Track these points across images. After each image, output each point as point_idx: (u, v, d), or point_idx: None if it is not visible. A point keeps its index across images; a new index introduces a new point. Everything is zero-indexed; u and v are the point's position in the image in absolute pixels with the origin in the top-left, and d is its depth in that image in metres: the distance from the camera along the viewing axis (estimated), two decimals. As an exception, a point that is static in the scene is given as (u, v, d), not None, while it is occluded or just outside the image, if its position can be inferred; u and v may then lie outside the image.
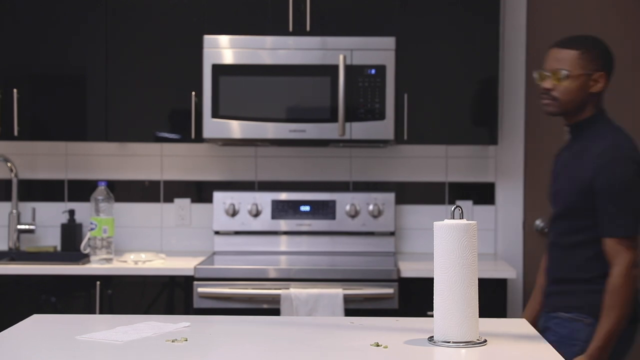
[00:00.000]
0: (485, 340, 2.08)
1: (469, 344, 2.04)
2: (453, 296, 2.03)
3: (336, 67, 3.71)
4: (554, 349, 2.05)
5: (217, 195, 4.08)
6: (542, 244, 4.16)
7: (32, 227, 4.06)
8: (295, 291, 3.47)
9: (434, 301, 2.07)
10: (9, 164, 4.06)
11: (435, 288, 2.07)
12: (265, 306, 3.52)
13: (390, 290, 3.49)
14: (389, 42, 3.74)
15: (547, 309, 2.89)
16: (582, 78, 2.81)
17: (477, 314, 2.07)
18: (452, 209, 2.09)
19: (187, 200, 4.18)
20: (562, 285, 2.85)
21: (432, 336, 2.10)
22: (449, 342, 2.04)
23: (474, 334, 2.05)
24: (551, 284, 2.90)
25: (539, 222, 4.14)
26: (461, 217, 2.08)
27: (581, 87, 2.82)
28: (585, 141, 2.84)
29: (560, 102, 2.84)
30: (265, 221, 4.04)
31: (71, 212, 4.06)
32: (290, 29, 3.79)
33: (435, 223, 2.08)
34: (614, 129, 2.85)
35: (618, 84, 4.13)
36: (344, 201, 4.03)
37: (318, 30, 3.77)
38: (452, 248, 2.03)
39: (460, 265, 2.03)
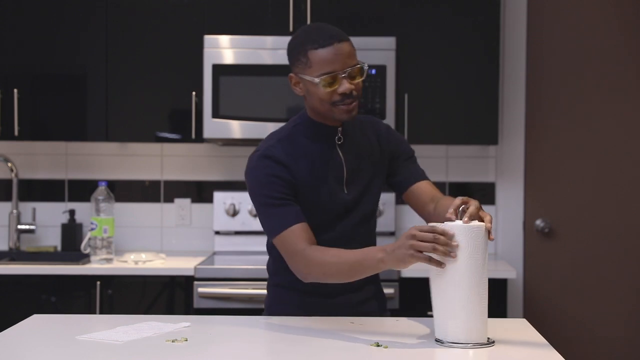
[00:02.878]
0: (494, 342, 2.06)
1: (476, 345, 2.02)
2: (454, 296, 2.01)
3: (336, 67, 3.70)
4: (556, 352, 2.04)
5: (218, 195, 4.08)
6: (542, 244, 4.16)
7: (32, 227, 4.06)
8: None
9: (433, 301, 2.06)
10: (9, 164, 4.06)
11: (436, 288, 2.06)
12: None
13: (390, 291, 3.49)
14: (389, 42, 3.74)
15: None
16: None
17: (486, 314, 2.04)
18: (459, 209, 2.07)
19: (188, 200, 4.18)
20: None
21: (434, 336, 2.09)
22: (452, 342, 2.02)
23: (480, 335, 2.03)
24: None
25: (539, 222, 4.14)
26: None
27: None
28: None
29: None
30: (265, 221, 4.03)
31: (71, 212, 4.06)
32: (291, 28, 3.79)
33: (446, 223, 2.05)
34: None
35: (618, 84, 4.15)
36: (344, 201, 4.02)
37: (318, 30, 3.76)
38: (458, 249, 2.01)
39: (462, 265, 2.01)
